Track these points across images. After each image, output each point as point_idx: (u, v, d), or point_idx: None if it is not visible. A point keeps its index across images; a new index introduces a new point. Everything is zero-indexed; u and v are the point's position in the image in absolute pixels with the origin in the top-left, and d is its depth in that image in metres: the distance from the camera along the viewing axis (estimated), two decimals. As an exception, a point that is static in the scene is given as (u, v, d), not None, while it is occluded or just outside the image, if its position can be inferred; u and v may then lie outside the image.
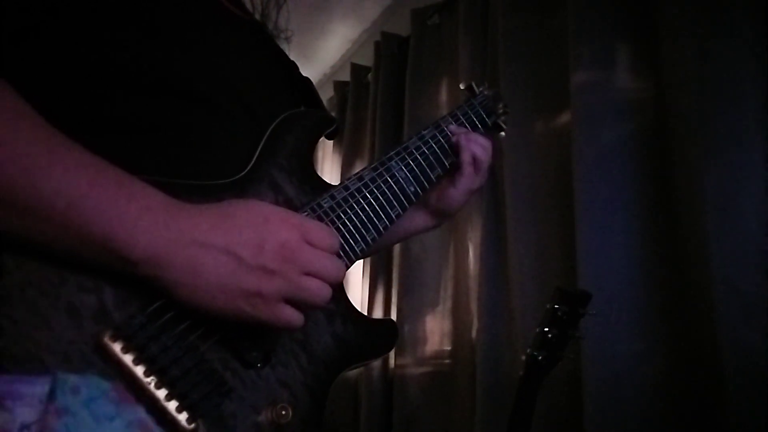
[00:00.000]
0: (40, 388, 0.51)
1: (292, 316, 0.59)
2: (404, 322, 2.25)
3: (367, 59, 2.93)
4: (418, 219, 1.00)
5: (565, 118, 1.74)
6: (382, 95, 2.63)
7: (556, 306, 1.12)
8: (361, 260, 2.59)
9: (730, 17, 1.32)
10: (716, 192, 1.28)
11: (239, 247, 0.57)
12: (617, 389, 1.40)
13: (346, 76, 3.10)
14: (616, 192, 1.50)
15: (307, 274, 0.59)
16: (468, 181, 0.94)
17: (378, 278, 2.51)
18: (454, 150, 0.93)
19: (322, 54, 3.36)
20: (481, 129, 0.98)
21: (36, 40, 0.63)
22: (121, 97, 0.66)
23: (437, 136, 0.91)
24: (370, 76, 2.88)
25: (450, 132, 0.93)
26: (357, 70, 3.02)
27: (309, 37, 3.16)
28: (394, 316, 2.30)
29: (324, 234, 0.62)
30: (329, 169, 3.21)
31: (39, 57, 0.64)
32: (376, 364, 2.35)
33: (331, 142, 3.16)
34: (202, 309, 0.57)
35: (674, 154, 1.42)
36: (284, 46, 0.94)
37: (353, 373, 2.58)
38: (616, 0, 1.59)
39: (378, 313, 2.47)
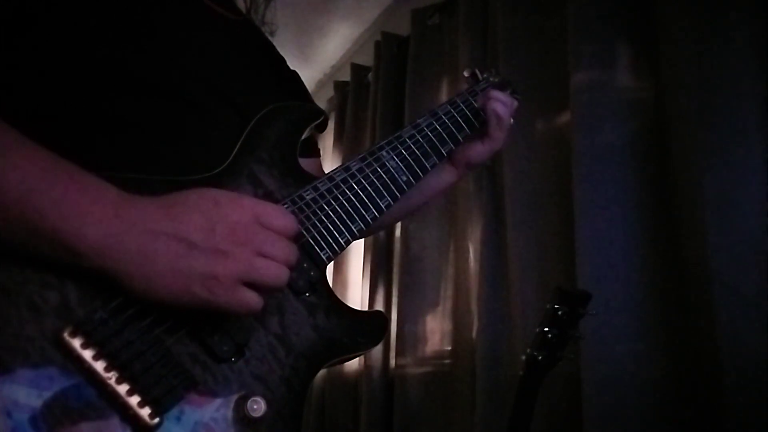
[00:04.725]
0: None
1: (251, 298, 0.58)
2: (404, 322, 2.25)
3: (367, 59, 2.93)
4: (445, 175, 1.01)
5: (565, 117, 1.74)
6: (382, 95, 2.63)
7: (556, 306, 1.12)
8: (361, 260, 2.59)
9: (729, 17, 1.32)
10: (716, 192, 1.27)
11: (189, 231, 0.56)
12: (617, 389, 1.39)
13: (346, 76, 3.10)
14: (616, 192, 1.50)
15: (262, 255, 0.58)
16: (493, 140, 0.97)
17: (378, 278, 2.51)
18: (482, 110, 0.95)
19: (322, 54, 3.36)
20: (482, 117, 0.97)
21: (18, 40, 0.63)
22: (103, 97, 0.67)
23: (433, 124, 0.90)
24: (370, 76, 2.88)
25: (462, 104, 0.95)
26: (357, 70, 3.02)
27: (309, 37, 3.16)
28: (394, 316, 2.30)
29: (278, 215, 0.61)
30: (329, 170, 3.19)
31: (22, 57, 0.64)
32: (377, 364, 2.35)
33: (331, 142, 3.16)
34: (158, 299, 0.56)
35: (674, 154, 1.42)
36: (273, 41, 0.94)
37: (353, 373, 2.58)
38: (616, 0, 1.59)
39: (378, 313, 2.47)
